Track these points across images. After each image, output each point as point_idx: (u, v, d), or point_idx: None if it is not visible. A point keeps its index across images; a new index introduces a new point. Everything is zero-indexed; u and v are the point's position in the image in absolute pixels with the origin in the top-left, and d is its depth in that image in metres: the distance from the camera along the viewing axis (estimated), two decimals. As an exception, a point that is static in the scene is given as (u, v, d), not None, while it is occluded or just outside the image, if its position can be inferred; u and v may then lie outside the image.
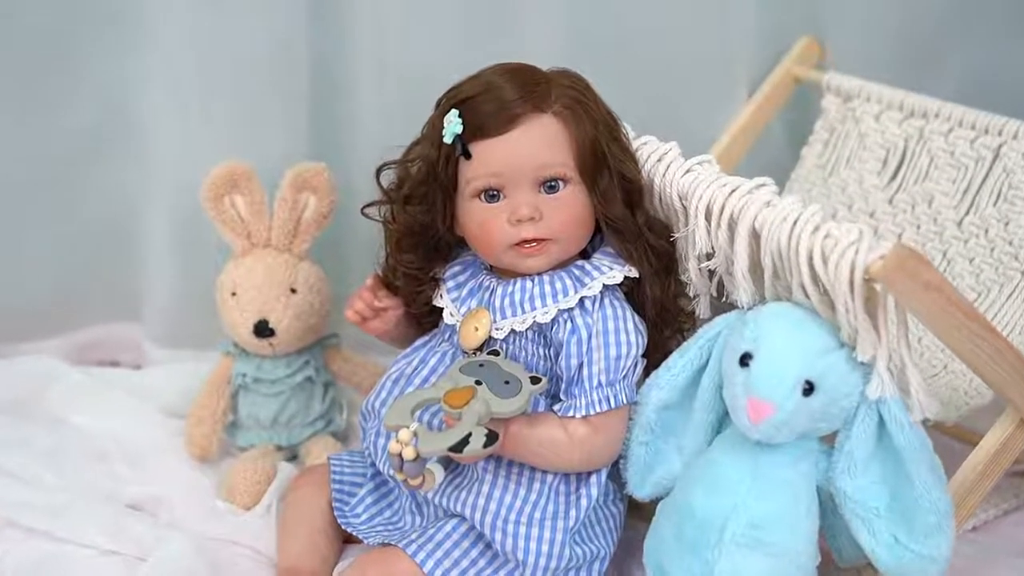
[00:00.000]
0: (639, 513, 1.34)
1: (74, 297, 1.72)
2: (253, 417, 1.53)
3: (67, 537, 1.35)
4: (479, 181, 1.26)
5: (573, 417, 1.25)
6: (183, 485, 1.46)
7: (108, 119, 1.64)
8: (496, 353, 1.28)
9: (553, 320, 1.26)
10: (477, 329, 1.28)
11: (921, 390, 1.14)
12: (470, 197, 1.27)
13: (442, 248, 1.34)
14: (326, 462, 1.40)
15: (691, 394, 1.25)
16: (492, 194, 1.26)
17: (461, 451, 1.16)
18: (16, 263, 1.69)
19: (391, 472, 1.27)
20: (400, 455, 1.17)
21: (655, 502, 1.27)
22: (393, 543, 1.27)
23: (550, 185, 1.26)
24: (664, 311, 1.30)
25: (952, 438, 1.44)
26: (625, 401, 1.26)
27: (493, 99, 1.24)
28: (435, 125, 1.28)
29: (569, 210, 1.26)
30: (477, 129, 1.24)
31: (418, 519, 1.32)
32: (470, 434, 1.16)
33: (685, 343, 1.27)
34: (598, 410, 1.24)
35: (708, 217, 1.23)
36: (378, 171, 1.34)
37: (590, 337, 1.25)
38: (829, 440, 1.20)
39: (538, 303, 1.27)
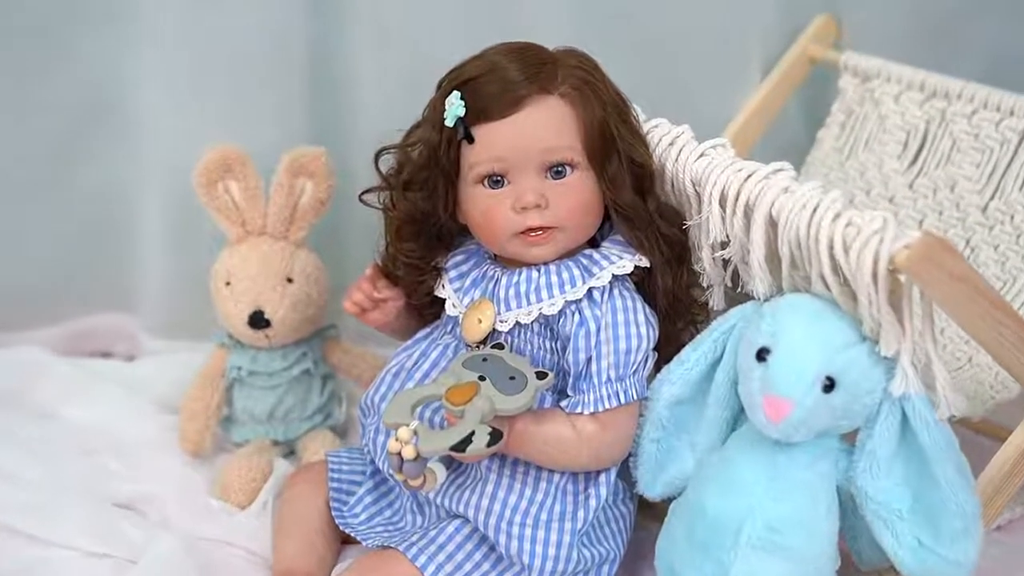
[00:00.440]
0: (650, 513, 1.34)
1: (67, 286, 1.72)
2: (248, 411, 1.52)
3: (54, 540, 1.34)
4: (482, 166, 1.24)
5: (581, 414, 1.23)
6: (175, 482, 1.45)
7: (101, 108, 1.64)
8: (500, 346, 1.26)
9: (560, 312, 1.25)
10: (480, 321, 1.27)
11: (947, 386, 1.13)
12: (473, 183, 1.26)
13: (444, 236, 1.32)
14: (324, 459, 1.39)
15: (704, 389, 1.24)
16: (496, 180, 1.25)
17: (463, 450, 1.15)
18: (8, 252, 1.69)
19: (391, 471, 1.26)
20: (400, 454, 1.15)
21: (667, 501, 1.26)
22: (393, 545, 1.26)
23: (556, 170, 1.24)
24: (676, 302, 1.28)
25: (979, 434, 1.41)
26: (635, 397, 1.24)
27: (497, 80, 1.22)
28: (436, 107, 1.26)
29: (576, 196, 1.25)
30: (480, 112, 1.22)
31: (419, 519, 1.31)
32: (473, 432, 1.15)
33: (698, 336, 1.25)
34: (607, 406, 1.23)
35: (723, 204, 1.21)
36: (377, 155, 1.33)
37: (599, 330, 1.24)
38: (850, 438, 1.18)
39: (544, 294, 1.25)
